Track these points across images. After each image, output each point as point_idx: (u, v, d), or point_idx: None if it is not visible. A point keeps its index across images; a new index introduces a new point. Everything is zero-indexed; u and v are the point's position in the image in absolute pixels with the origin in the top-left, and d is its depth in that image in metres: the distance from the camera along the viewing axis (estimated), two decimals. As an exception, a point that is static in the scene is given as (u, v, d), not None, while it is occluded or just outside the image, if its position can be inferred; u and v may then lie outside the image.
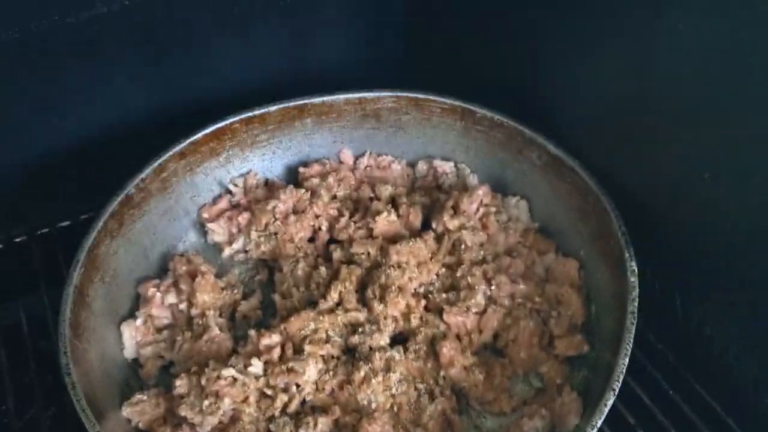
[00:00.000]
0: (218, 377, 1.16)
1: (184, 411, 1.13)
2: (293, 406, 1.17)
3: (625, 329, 1.09)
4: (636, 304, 1.13)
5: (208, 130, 1.46)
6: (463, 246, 1.37)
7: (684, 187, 1.16)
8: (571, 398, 1.16)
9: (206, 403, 1.13)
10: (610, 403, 1.02)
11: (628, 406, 1.22)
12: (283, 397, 1.17)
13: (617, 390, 1.03)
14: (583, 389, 1.19)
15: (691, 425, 1.21)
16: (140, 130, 1.59)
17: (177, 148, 1.42)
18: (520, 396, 1.23)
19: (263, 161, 1.57)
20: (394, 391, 1.17)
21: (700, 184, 1.11)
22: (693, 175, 1.12)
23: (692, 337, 1.24)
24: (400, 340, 1.27)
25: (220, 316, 1.35)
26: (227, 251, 1.48)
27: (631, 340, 1.08)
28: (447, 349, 1.21)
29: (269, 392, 1.18)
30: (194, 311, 1.33)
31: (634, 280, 1.15)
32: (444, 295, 1.31)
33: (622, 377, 1.04)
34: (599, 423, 1.00)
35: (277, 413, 1.17)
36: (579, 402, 1.15)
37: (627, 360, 1.06)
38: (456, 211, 1.41)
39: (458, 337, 1.26)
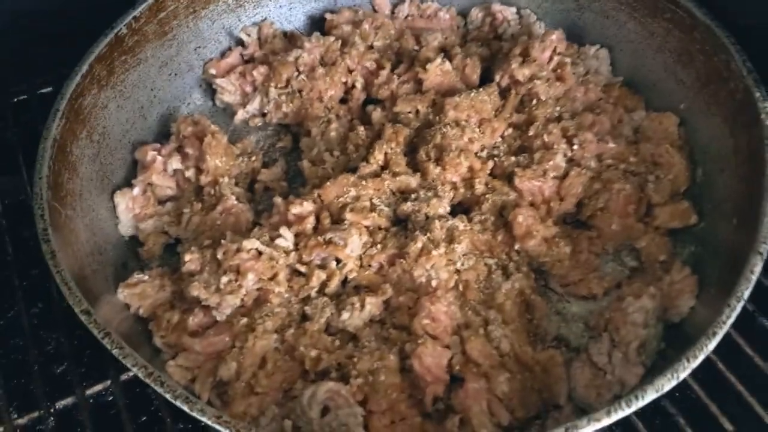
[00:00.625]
0: (239, 250, 0.91)
1: (196, 290, 0.90)
2: (333, 286, 0.93)
3: (765, 180, 0.84)
4: (777, 148, 0.87)
5: (214, -39, 1.18)
6: (534, 101, 1.11)
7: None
8: (683, 275, 0.92)
9: (224, 279, 0.90)
10: (758, 269, 0.78)
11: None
12: (320, 275, 0.93)
13: (765, 254, 0.79)
14: (691, 268, 0.95)
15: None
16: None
17: (177, -19, 1.14)
18: (612, 276, 0.99)
19: (280, 8, 1.29)
20: (459, 266, 0.93)
21: None
22: None
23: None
24: (460, 211, 1.02)
25: (236, 185, 1.09)
26: (240, 114, 1.22)
27: (776, 194, 0.83)
28: (523, 217, 0.96)
29: (303, 269, 0.94)
30: (204, 179, 1.08)
31: (771, 122, 0.90)
32: (513, 159, 1.06)
33: (769, 239, 0.80)
34: (746, 294, 0.76)
35: (313, 294, 0.93)
36: (694, 279, 0.91)
37: (774, 217, 0.81)
38: (525, 59, 1.14)
39: (533, 206, 1.01)
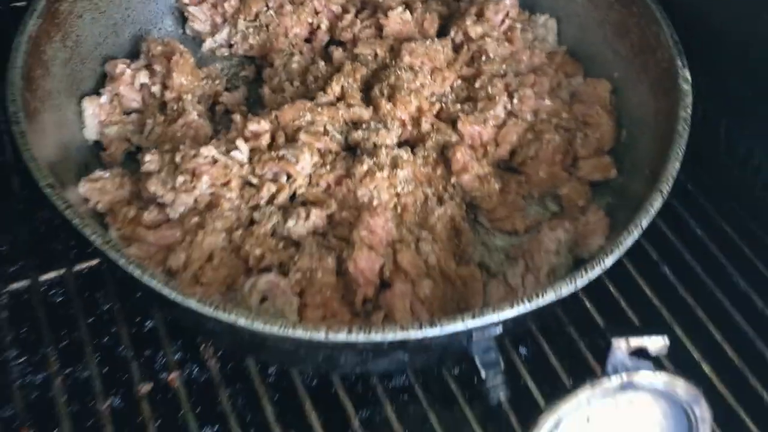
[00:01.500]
0: (196, 155, 0.98)
1: (153, 186, 0.97)
2: (282, 198, 1.01)
3: (676, 134, 0.95)
4: (689, 111, 0.98)
5: None
6: (483, 57, 1.20)
7: None
8: (598, 217, 1.03)
9: (180, 179, 0.97)
10: (657, 205, 0.88)
11: (651, 242, 1.10)
12: (270, 187, 1.01)
13: (666, 194, 0.89)
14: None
15: (719, 265, 1.09)
16: None
17: None
18: (534, 217, 1.09)
19: (257, -54, 1.35)
20: (399, 189, 1.01)
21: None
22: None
23: (731, 171, 1.11)
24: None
25: (199, 104, 1.16)
26: (208, 43, 1.28)
27: (683, 145, 0.94)
28: (461, 154, 1.06)
29: (255, 181, 1.01)
30: (169, 95, 1.15)
31: (687, 87, 1.01)
32: (459, 106, 1.15)
33: (672, 181, 0.91)
34: (645, 223, 0.86)
35: (262, 203, 1.01)
36: (606, 221, 1.02)
37: (678, 165, 0.92)
38: (479, 18, 1.23)
39: (472, 149, 1.11)
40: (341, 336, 0.71)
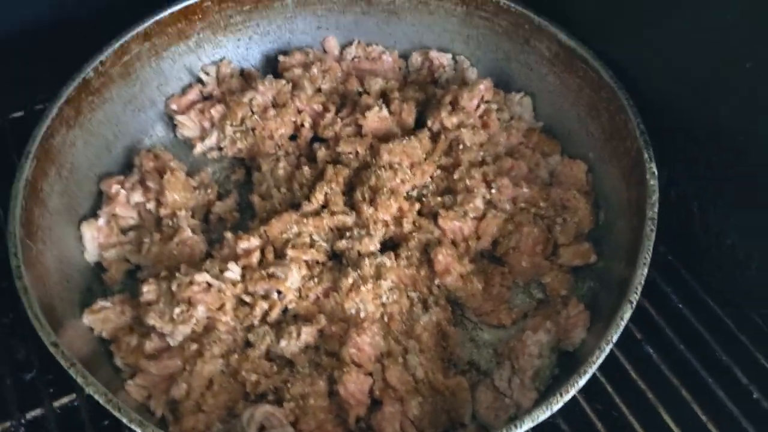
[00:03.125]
0: (191, 282, 1.04)
1: (152, 319, 1.02)
2: (274, 315, 1.06)
3: (643, 236, 0.99)
4: (656, 209, 1.02)
5: (175, 8, 1.28)
6: (461, 146, 1.24)
7: (718, 79, 1.02)
8: (578, 310, 1.07)
9: (177, 310, 1.02)
10: (626, 316, 0.92)
11: (634, 321, 1.14)
12: (263, 305, 1.06)
13: (635, 303, 0.94)
14: (589, 302, 1.10)
15: (702, 341, 1.13)
16: (101, 8, 1.41)
17: (140, 28, 1.25)
18: (520, 308, 1.14)
19: (238, 48, 1.40)
20: (384, 299, 1.06)
21: (738, 75, 0.98)
22: (730, 66, 0.98)
23: (709, 248, 1.14)
24: (390, 246, 1.16)
25: (193, 217, 1.22)
26: (199, 147, 1.33)
27: (650, 249, 0.98)
28: (443, 256, 1.10)
29: (248, 299, 1.07)
30: (163, 211, 1.20)
31: (654, 183, 1.05)
32: (439, 199, 1.19)
33: (640, 289, 0.95)
34: (615, 338, 0.90)
35: (256, 322, 1.06)
36: (586, 315, 1.06)
37: (646, 271, 0.96)
38: (454, 107, 1.27)
39: (454, 244, 1.15)
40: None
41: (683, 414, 1.06)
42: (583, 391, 1.07)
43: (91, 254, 1.17)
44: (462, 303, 1.12)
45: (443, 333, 1.07)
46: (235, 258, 1.09)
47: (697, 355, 1.11)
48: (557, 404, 0.85)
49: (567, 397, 0.86)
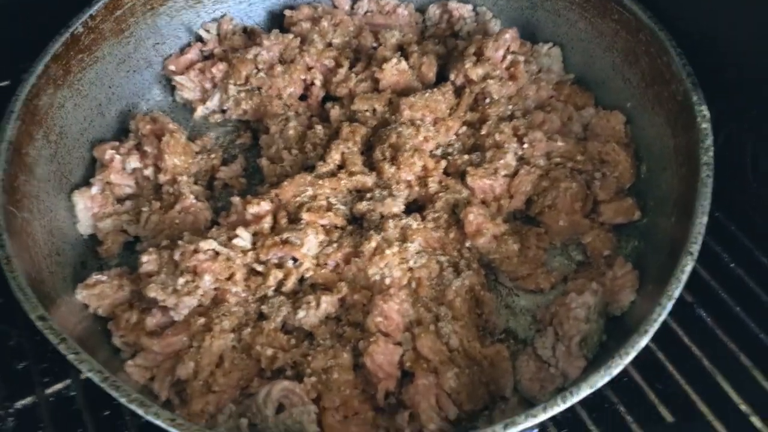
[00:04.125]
0: (195, 251, 0.93)
1: (153, 291, 0.92)
2: (290, 284, 0.96)
3: (699, 183, 0.89)
4: (711, 154, 0.92)
5: (171, -42, 1.18)
6: (487, 100, 1.14)
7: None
8: (626, 270, 0.97)
9: (181, 281, 0.92)
10: (688, 269, 0.82)
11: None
12: (277, 274, 0.95)
13: (696, 254, 0.83)
14: (634, 262, 0.99)
15: (759, 302, 1.03)
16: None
17: (133, -21, 1.14)
18: (559, 271, 1.03)
19: (240, 4, 1.30)
20: (411, 264, 0.96)
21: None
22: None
23: (763, 199, 1.04)
24: (415, 209, 1.05)
25: (196, 183, 1.11)
26: (200, 111, 1.23)
27: (709, 197, 0.88)
28: (473, 216, 1.00)
29: (260, 268, 0.96)
30: (163, 177, 1.10)
31: (706, 126, 0.94)
32: (466, 157, 1.09)
33: (700, 240, 0.84)
34: (677, 292, 0.80)
35: (270, 293, 0.96)
36: (635, 275, 0.96)
37: (705, 219, 0.86)
38: (479, 58, 1.16)
39: (484, 204, 1.05)
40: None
41: (743, 381, 0.96)
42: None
43: (84, 225, 1.07)
44: (495, 267, 1.02)
45: (477, 299, 0.96)
46: (245, 224, 0.99)
47: (755, 318, 1.01)
48: (616, 367, 0.75)
49: (626, 360, 0.76)
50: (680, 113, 1.00)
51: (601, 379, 0.74)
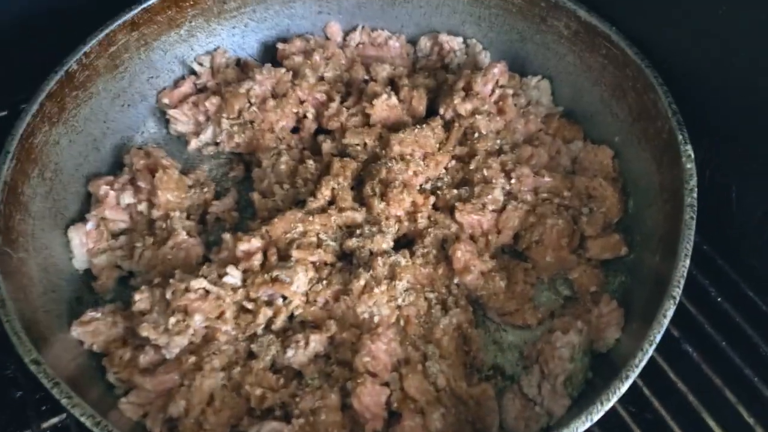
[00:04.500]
0: (187, 289, 0.95)
1: (145, 331, 0.93)
2: (279, 322, 0.97)
3: (683, 225, 0.90)
4: (695, 195, 0.93)
5: (164, -6, 1.19)
6: (476, 134, 1.15)
7: (755, 49, 0.93)
8: (611, 308, 0.98)
9: (172, 320, 0.93)
10: (669, 314, 0.83)
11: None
12: (266, 312, 0.97)
13: (677, 299, 0.84)
14: (620, 298, 1.01)
15: (745, 337, 1.04)
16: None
17: (127, 16, 1.16)
18: (546, 307, 1.04)
19: (233, 36, 1.31)
20: (400, 302, 0.97)
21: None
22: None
23: (749, 235, 1.05)
24: (404, 244, 1.07)
25: (188, 218, 1.13)
26: (194, 143, 1.24)
27: (691, 239, 0.89)
28: (461, 252, 1.01)
29: (250, 306, 0.98)
30: (156, 213, 1.11)
31: (690, 166, 0.96)
32: (455, 191, 1.10)
33: (682, 283, 0.86)
34: (658, 338, 0.81)
35: (259, 331, 0.97)
36: (620, 312, 0.97)
37: (687, 263, 0.87)
38: (468, 93, 1.18)
39: (473, 239, 1.06)
40: None
41: (728, 417, 0.97)
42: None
43: (79, 261, 1.09)
44: (483, 303, 1.03)
45: (465, 336, 0.98)
46: (235, 261, 1.00)
47: (741, 353, 1.02)
48: (598, 413, 0.76)
49: (608, 406, 0.77)
50: (666, 150, 1.01)
51: (582, 425, 0.76)
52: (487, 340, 1.02)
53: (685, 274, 0.86)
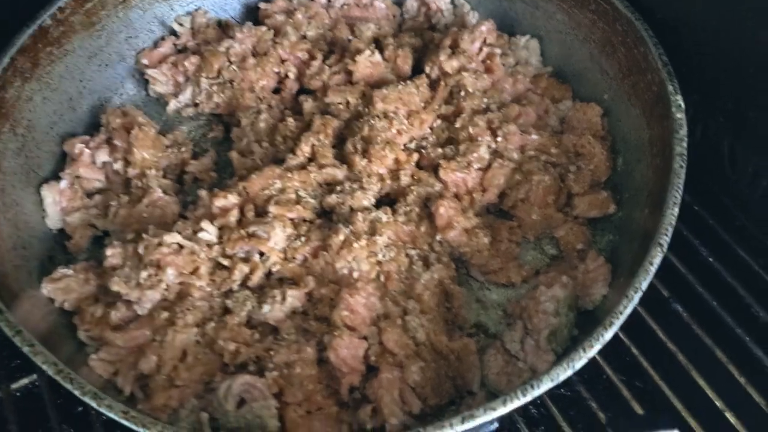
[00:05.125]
0: (160, 244, 0.92)
1: (116, 285, 0.90)
2: (256, 279, 0.94)
3: (672, 173, 0.87)
4: (685, 145, 0.90)
5: (143, -51, 1.16)
6: (462, 93, 1.12)
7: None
8: (598, 263, 0.95)
9: (144, 274, 0.90)
10: (656, 261, 0.80)
11: (661, 277, 1.02)
12: (243, 268, 0.94)
13: (665, 246, 0.81)
14: (608, 256, 0.98)
15: (736, 296, 1.01)
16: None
17: (104, -29, 1.13)
18: (531, 265, 1.01)
19: (215, -4, 1.28)
20: (380, 257, 0.94)
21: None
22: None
23: (741, 191, 1.02)
24: (387, 203, 1.03)
25: (165, 177, 1.10)
26: (173, 104, 1.21)
27: (681, 188, 0.86)
28: (444, 209, 0.98)
29: (226, 262, 0.95)
30: (132, 171, 1.08)
31: (681, 116, 0.92)
32: (440, 150, 1.07)
33: (671, 231, 0.83)
34: (644, 285, 0.78)
35: (235, 287, 0.94)
36: (607, 268, 0.94)
37: (677, 211, 0.84)
38: (454, 50, 1.15)
39: (457, 198, 1.03)
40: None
41: (718, 376, 0.94)
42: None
43: (52, 220, 1.06)
44: (467, 261, 1.00)
45: (447, 292, 0.95)
46: (211, 218, 0.97)
47: (732, 312, 0.99)
48: (580, 360, 0.73)
49: (591, 353, 0.74)
50: (656, 104, 0.98)
51: (564, 372, 0.73)
52: (470, 299, 0.99)
53: (673, 223, 0.83)
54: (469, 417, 0.68)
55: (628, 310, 0.76)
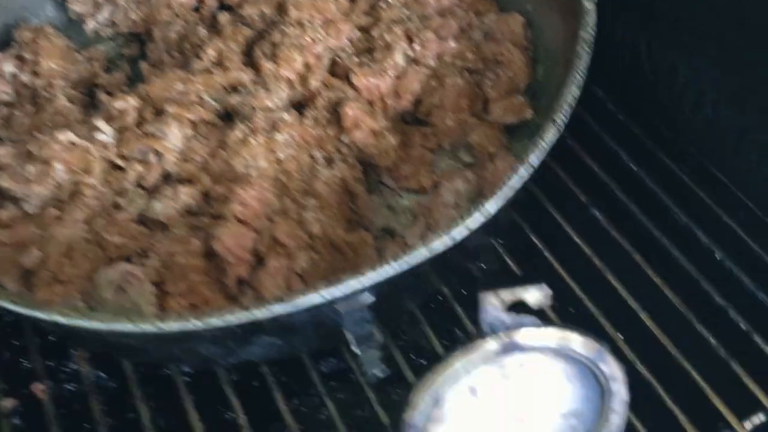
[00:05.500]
0: (52, 141, 0.89)
1: (3, 181, 0.87)
2: (151, 179, 0.91)
3: (575, 56, 0.83)
4: (592, 31, 0.86)
5: None
6: (383, 4, 1.09)
7: None
8: (507, 162, 0.91)
9: (32, 168, 0.87)
10: (549, 137, 0.76)
11: (579, 182, 1.00)
12: (137, 168, 0.91)
13: (560, 123, 0.78)
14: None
15: (656, 200, 0.98)
16: None
17: None
18: (444, 171, 0.98)
19: None
20: (280, 155, 0.91)
21: None
22: None
23: (658, 90, 0.99)
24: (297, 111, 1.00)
25: (74, 89, 1.07)
26: (91, 23, 1.18)
27: (583, 71, 0.82)
28: (352, 110, 0.95)
29: (121, 163, 0.91)
30: (39, 82, 1.05)
31: (590, 6, 0.89)
32: (356, 59, 1.03)
33: (567, 109, 0.79)
34: (535, 160, 0.75)
35: (130, 187, 0.91)
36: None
37: (576, 91, 0.80)
38: (374, -40, 1.11)
39: (370, 104, 1.00)
40: (149, 327, 0.61)
41: (636, 280, 0.91)
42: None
43: (-46, 134, 1.02)
44: (376, 164, 0.96)
45: (350, 192, 0.91)
46: (109, 119, 0.94)
47: (652, 217, 0.96)
48: (459, 232, 0.69)
49: (473, 225, 0.70)
50: (571, 3, 0.95)
51: (441, 245, 0.69)
52: (381, 205, 0.96)
53: (572, 103, 0.79)
54: (336, 281, 0.65)
55: (513, 182, 0.73)
